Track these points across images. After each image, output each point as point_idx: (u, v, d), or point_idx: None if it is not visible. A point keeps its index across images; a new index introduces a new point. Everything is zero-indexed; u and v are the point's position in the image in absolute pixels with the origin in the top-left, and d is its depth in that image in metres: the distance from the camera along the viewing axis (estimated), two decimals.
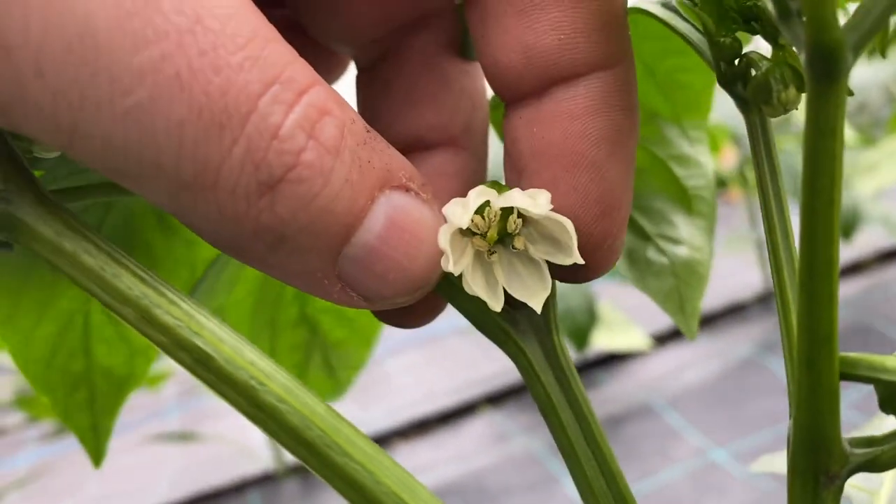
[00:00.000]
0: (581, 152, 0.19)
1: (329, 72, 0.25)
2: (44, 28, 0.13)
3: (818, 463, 0.18)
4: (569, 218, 0.18)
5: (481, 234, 0.18)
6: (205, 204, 0.15)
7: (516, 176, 0.20)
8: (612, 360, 2.01)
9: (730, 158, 2.23)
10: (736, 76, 0.20)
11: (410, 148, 0.22)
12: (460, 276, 0.19)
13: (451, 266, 0.18)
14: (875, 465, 0.18)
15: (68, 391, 0.29)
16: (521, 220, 0.19)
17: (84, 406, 0.30)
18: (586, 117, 0.18)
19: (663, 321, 2.16)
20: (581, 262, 0.18)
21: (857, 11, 0.14)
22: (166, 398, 2.58)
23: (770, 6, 0.15)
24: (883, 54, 0.16)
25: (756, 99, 0.19)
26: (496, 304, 0.19)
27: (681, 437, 1.64)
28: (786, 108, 0.18)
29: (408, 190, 0.17)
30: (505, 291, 0.20)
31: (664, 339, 2.06)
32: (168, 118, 0.14)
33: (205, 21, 0.14)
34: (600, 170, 0.19)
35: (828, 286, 0.15)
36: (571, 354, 1.73)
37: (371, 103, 0.23)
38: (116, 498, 1.93)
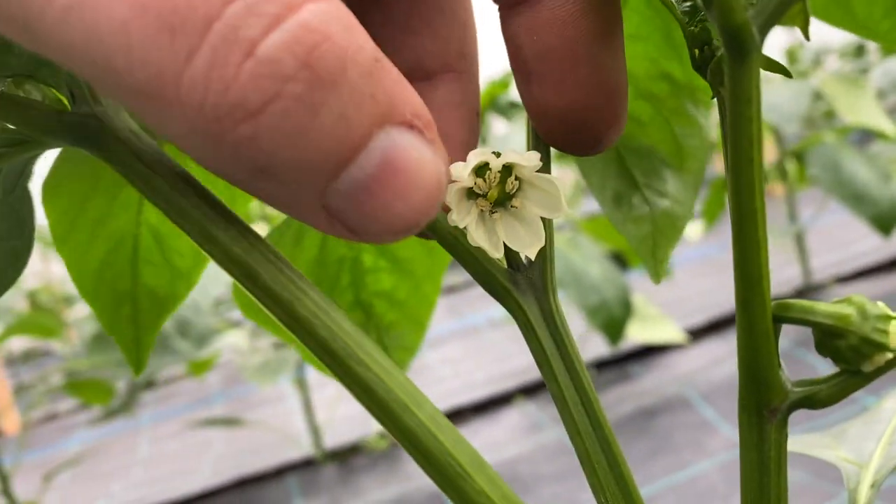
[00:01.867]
0: (579, 52, 0.21)
1: None
2: None
3: (760, 398, 0.20)
4: (579, 107, 0.22)
5: (483, 195, 0.21)
6: (172, 117, 0.14)
7: (524, 78, 0.22)
8: (646, 353, 2.01)
9: (770, 153, 2.22)
10: (706, 61, 0.23)
11: (410, 77, 0.21)
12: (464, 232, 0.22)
13: (457, 220, 0.21)
14: (813, 401, 0.21)
15: (114, 306, 0.33)
16: (517, 181, 0.22)
17: (128, 321, 0.33)
18: (579, 20, 0.21)
19: (698, 316, 2.15)
20: (568, 210, 0.21)
21: None
22: (210, 386, 2.65)
23: None
24: (806, 36, 0.18)
25: (713, 81, 0.22)
26: (496, 253, 0.22)
27: (715, 430, 1.64)
28: None
29: (411, 127, 0.16)
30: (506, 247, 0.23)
31: (698, 333, 2.06)
32: (110, 17, 0.13)
33: None
34: (597, 63, 0.21)
35: (754, 233, 0.18)
36: (606, 348, 1.72)
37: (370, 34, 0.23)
38: (161, 481, 1.99)
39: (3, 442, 2.17)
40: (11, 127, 0.20)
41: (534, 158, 0.21)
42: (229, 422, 1.76)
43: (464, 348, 2.39)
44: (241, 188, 0.16)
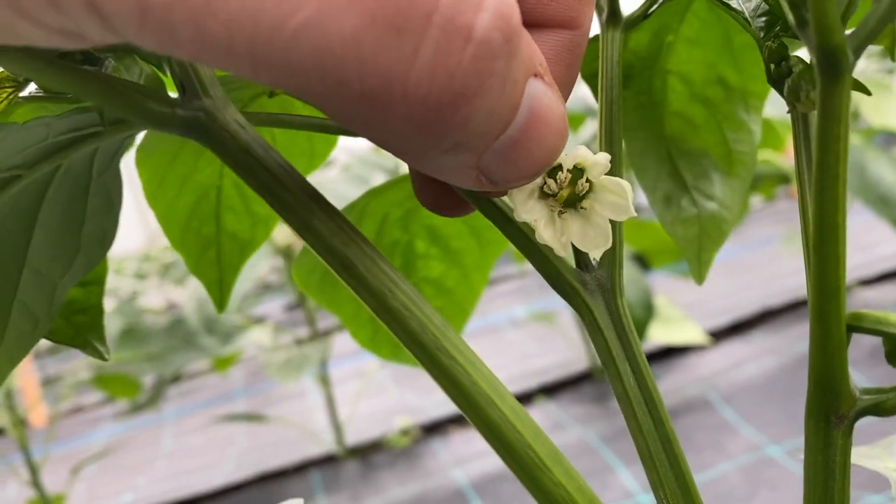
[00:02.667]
0: None
1: None
2: None
3: (829, 404, 0.21)
4: None
5: (553, 195, 0.22)
6: (393, 116, 0.15)
7: None
8: (667, 354, 2.01)
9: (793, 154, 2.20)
10: (782, 76, 0.23)
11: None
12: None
13: (524, 217, 0.21)
14: (881, 409, 0.21)
15: (200, 250, 0.35)
16: (588, 183, 0.22)
17: (212, 263, 0.36)
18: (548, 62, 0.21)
19: (719, 318, 2.15)
20: (634, 214, 0.21)
21: (861, 22, 0.17)
22: (233, 382, 2.67)
23: (790, 17, 0.18)
24: (892, 57, 0.19)
25: (790, 97, 0.22)
26: (562, 252, 0.22)
27: (736, 432, 1.64)
28: (815, 105, 0.21)
29: (537, 75, 0.17)
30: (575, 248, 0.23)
31: (720, 335, 2.06)
32: (341, 31, 0.13)
33: None
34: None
35: (834, 247, 0.18)
36: None
37: None
38: (185, 475, 2.01)
39: (30, 434, 2.20)
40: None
41: (603, 159, 0.21)
42: (252, 417, 1.77)
43: (485, 347, 2.40)
44: (414, 164, 0.17)
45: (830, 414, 0.21)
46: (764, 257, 2.72)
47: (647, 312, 1.75)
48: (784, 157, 2.09)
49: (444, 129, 0.15)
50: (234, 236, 0.35)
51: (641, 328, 1.74)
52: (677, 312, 2.00)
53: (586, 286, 0.24)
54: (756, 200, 3.17)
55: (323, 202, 0.19)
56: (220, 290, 0.37)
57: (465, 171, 0.17)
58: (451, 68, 0.14)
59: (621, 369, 0.24)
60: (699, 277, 0.35)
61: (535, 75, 0.16)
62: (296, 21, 0.13)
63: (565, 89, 0.21)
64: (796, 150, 0.22)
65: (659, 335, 1.90)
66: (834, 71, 0.17)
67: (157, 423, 2.44)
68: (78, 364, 2.34)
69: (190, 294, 1.66)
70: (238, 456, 2.04)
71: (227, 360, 1.93)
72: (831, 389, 0.21)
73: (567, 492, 0.20)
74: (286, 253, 1.79)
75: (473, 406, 0.19)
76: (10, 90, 0.21)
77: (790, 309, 2.14)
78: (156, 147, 0.32)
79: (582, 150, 0.21)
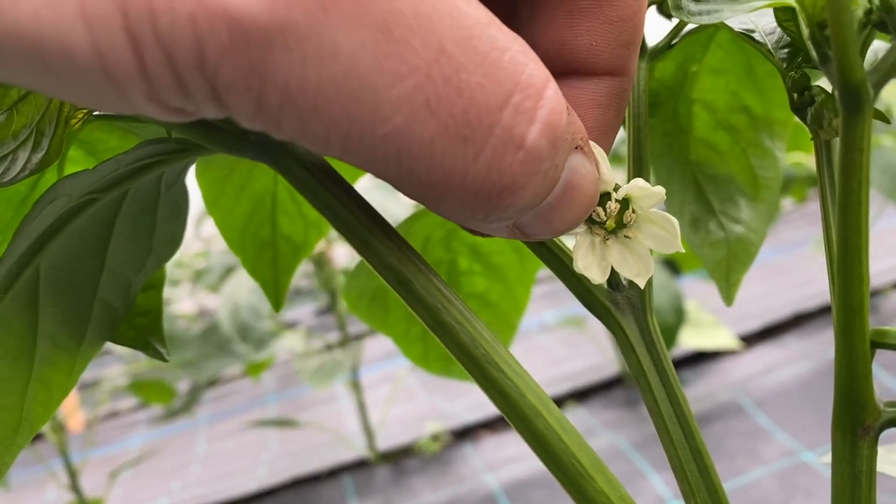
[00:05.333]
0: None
1: None
2: (318, 74, 0.15)
3: (855, 417, 0.22)
4: None
5: (601, 223, 0.22)
6: (451, 199, 0.18)
7: None
8: (699, 359, 2.00)
9: None
10: (805, 104, 0.24)
11: (565, 73, 0.22)
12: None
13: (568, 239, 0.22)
14: None
15: (257, 252, 0.37)
16: (634, 214, 0.22)
17: (268, 264, 0.38)
18: (590, 108, 0.22)
19: (751, 322, 2.14)
20: (682, 250, 0.22)
21: (881, 58, 0.18)
22: (265, 387, 2.70)
23: (813, 53, 0.19)
24: None
25: (813, 125, 0.23)
26: (600, 279, 0.23)
27: (769, 437, 1.63)
28: (837, 132, 0.22)
29: (578, 148, 0.19)
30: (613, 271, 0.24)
31: (751, 339, 2.05)
32: (421, 138, 0.16)
33: (446, 49, 0.16)
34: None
35: (858, 268, 0.19)
36: None
37: (527, 13, 0.23)
38: (218, 480, 2.04)
39: (68, 439, 2.24)
40: (174, 136, 0.23)
41: (657, 189, 0.22)
42: (284, 423, 1.79)
43: (515, 352, 2.39)
44: (459, 224, 0.19)
45: (856, 425, 0.22)
46: (795, 260, 2.69)
47: (677, 317, 1.75)
48: (812, 160, 2.06)
49: (491, 210, 0.18)
50: (289, 239, 0.37)
51: (672, 333, 1.74)
52: (708, 317, 2.00)
53: (618, 305, 0.25)
54: (787, 203, 3.15)
55: (381, 221, 0.21)
56: (275, 290, 0.38)
57: (502, 229, 0.19)
58: (503, 169, 0.17)
59: (652, 383, 0.25)
60: (728, 298, 0.36)
61: (577, 148, 0.19)
62: (386, 128, 0.16)
63: (614, 131, 0.23)
64: (819, 173, 0.23)
65: (690, 340, 1.89)
66: (856, 104, 0.18)
67: (192, 428, 2.48)
68: (114, 370, 2.38)
69: (224, 301, 1.69)
70: (271, 461, 2.07)
71: (260, 366, 1.96)
72: (857, 402, 0.22)
73: (610, 500, 0.21)
74: (317, 259, 1.82)
75: (521, 417, 0.20)
76: (87, 109, 0.23)
77: (822, 313, 2.12)
78: (214, 160, 0.34)
79: (639, 182, 0.22)
